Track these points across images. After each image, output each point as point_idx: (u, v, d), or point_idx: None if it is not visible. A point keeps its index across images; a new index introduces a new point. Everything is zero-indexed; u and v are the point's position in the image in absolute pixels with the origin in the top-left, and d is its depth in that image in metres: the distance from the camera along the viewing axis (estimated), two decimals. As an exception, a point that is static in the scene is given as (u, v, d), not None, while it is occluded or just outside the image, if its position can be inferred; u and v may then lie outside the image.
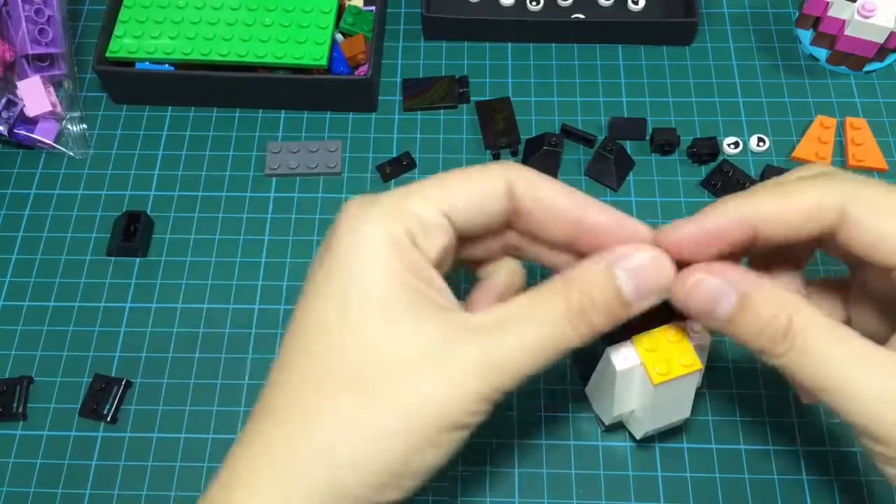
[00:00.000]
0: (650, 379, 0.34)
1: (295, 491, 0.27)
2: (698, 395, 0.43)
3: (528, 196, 0.31)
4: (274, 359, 0.30)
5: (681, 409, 0.38)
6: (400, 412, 0.27)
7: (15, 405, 0.43)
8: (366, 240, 0.28)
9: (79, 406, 0.43)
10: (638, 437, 0.40)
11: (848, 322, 0.35)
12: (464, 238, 0.31)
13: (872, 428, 0.28)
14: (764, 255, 0.34)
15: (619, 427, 0.41)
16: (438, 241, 0.30)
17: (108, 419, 0.43)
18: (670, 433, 0.41)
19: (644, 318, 0.35)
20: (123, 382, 0.44)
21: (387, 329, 0.28)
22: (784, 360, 0.29)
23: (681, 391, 0.36)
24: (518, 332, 0.28)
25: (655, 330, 0.35)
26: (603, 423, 0.41)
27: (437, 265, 0.30)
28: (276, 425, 0.28)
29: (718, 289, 0.30)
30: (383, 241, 0.28)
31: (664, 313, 0.35)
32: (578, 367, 0.43)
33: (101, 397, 0.43)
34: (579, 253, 0.32)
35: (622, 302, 0.29)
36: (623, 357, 0.35)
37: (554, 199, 0.31)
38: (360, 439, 0.27)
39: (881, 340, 0.29)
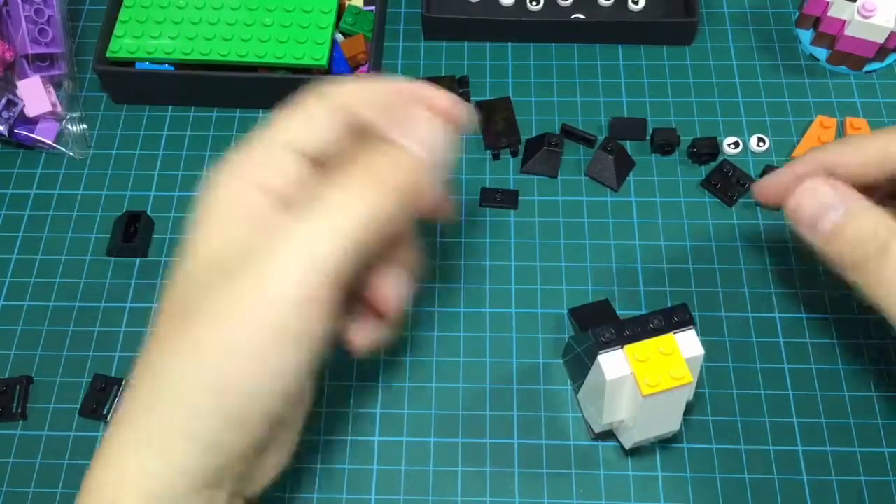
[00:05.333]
0: (639, 389, 0.34)
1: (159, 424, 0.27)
2: (699, 395, 0.43)
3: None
4: None
5: (670, 422, 0.38)
6: (234, 317, 0.27)
7: (15, 405, 0.43)
8: (216, 196, 0.30)
9: (78, 406, 0.43)
10: (627, 447, 0.40)
11: None
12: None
13: None
14: None
15: (610, 434, 0.41)
16: (287, 165, 0.30)
17: (108, 419, 0.43)
18: (672, 440, 0.42)
19: (638, 329, 0.35)
20: (123, 382, 0.44)
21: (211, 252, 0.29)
22: (873, 275, 0.31)
23: (670, 403, 0.36)
24: (332, 205, 0.28)
25: (648, 340, 0.35)
26: (593, 430, 0.41)
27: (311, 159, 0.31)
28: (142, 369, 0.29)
29: (829, 199, 0.32)
30: (225, 198, 0.30)
31: (660, 326, 0.35)
32: (572, 375, 0.43)
33: (100, 397, 0.43)
34: None
35: (417, 161, 0.30)
36: (614, 366, 0.35)
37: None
38: (205, 359, 0.27)
39: None
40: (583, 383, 0.39)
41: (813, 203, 0.32)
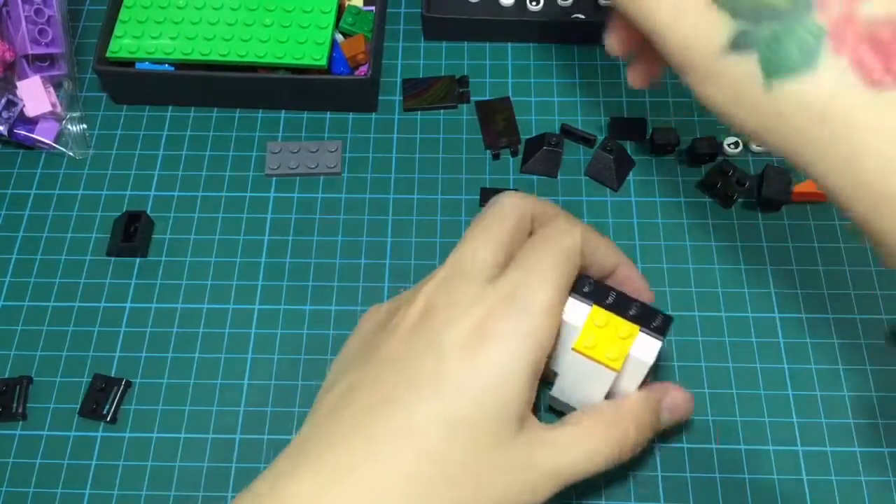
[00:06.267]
0: (574, 342, 0.35)
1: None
2: (699, 394, 0.43)
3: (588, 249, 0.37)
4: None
5: (585, 398, 0.38)
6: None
7: (14, 405, 0.43)
8: (514, 357, 0.33)
9: (78, 406, 0.43)
10: (549, 402, 0.40)
11: None
12: None
13: (670, 35, 0.31)
14: None
15: None
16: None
17: (108, 419, 0.43)
18: (671, 432, 0.42)
19: (617, 301, 0.36)
20: (123, 382, 0.44)
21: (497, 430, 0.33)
22: None
23: (592, 379, 0.36)
24: (582, 450, 0.34)
25: (617, 317, 0.35)
26: None
27: None
28: None
29: None
30: (528, 365, 0.33)
31: (634, 315, 0.35)
32: None
33: (100, 397, 0.43)
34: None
35: (657, 428, 0.37)
36: (573, 313, 0.36)
37: (606, 254, 0.38)
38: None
39: None
40: None
41: None
